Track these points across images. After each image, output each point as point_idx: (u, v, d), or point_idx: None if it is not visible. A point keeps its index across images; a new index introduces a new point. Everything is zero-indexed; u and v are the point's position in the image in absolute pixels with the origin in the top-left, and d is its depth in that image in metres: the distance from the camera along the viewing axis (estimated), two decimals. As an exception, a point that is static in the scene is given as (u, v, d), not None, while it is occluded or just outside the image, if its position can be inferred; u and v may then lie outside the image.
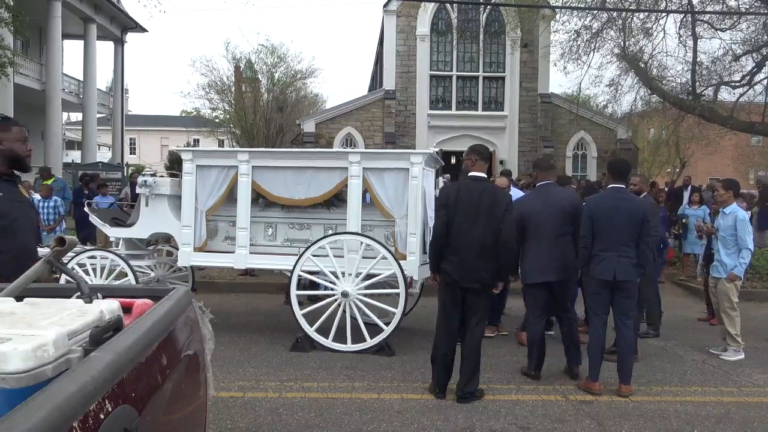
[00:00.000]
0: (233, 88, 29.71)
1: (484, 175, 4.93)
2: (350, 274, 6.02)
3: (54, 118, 22.87)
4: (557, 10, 16.07)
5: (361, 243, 6.00)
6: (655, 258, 6.36)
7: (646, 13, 14.44)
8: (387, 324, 6.05)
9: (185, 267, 7.46)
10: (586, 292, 5.23)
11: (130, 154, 44.20)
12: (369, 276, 6.02)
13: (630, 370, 5.01)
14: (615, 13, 14.65)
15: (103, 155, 31.62)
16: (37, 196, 10.64)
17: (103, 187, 13.09)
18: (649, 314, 6.99)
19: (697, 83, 14.80)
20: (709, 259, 7.96)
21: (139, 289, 2.96)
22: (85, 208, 8.01)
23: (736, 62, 14.88)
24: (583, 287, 5.93)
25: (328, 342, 6.00)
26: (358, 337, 5.96)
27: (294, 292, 6.10)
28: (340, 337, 5.98)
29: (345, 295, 6.02)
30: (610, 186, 5.27)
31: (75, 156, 31.96)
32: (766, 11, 13.83)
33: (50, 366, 1.33)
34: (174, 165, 7.16)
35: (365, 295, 6.08)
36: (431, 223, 6.44)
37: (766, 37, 14.11)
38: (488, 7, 22.68)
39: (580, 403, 4.77)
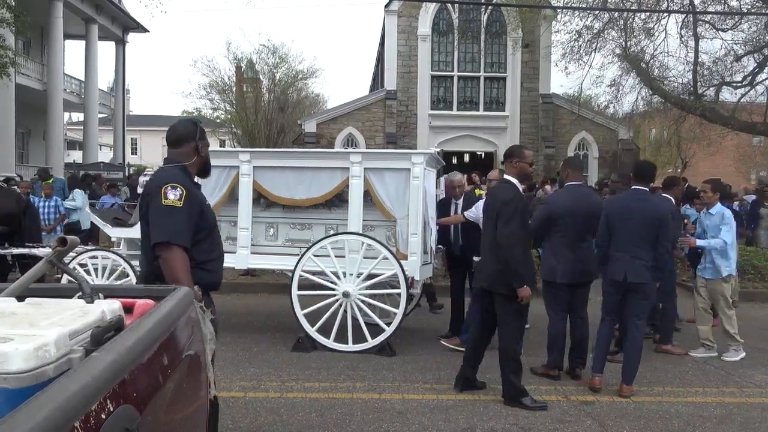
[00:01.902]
0: (234, 89, 29.76)
1: (507, 177, 4.86)
2: (351, 275, 6.02)
3: (55, 118, 22.91)
4: (558, 10, 16.07)
5: (363, 243, 6.00)
6: None
7: (648, 14, 14.43)
8: (388, 324, 6.05)
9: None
10: (602, 291, 5.32)
11: (132, 154, 44.23)
12: (370, 276, 6.02)
13: (634, 371, 5.01)
14: (616, 14, 14.65)
15: (105, 155, 31.68)
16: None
17: (113, 188, 13.15)
18: (651, 315, 7.00)
19: (699, 83, 14.80)
20: (693, 259, 7.95)
21: (140, 289, 2.96)
22: (87, 208, 8.02)
23: (737, 62, 14.87)
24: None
25: (329, 342, 6.00)
26: (359, 338, 5.96)
27: (295, 292, 6.10)
28: (341, 338, 5.98)
29: (346, 295, 6.02)
30: (633, 187, 5.34)
31: (76, 156, 32.03)
32: (767, 11, 13.82)
33: (52, 366, 1.34)
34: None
35: (366, 296, 6.09)
36: (432, 223, 6.44)
37: (767, 37, 14.10)
38: (489, 7, 22.68)
39: (582, 403, 4.77)
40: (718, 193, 6.28)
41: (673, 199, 6.43)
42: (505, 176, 4.90)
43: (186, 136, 3.10)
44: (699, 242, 6.04)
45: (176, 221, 2.86)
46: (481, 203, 6.42)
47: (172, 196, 2.86)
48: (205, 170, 3.21)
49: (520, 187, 4.84)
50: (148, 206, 2.91)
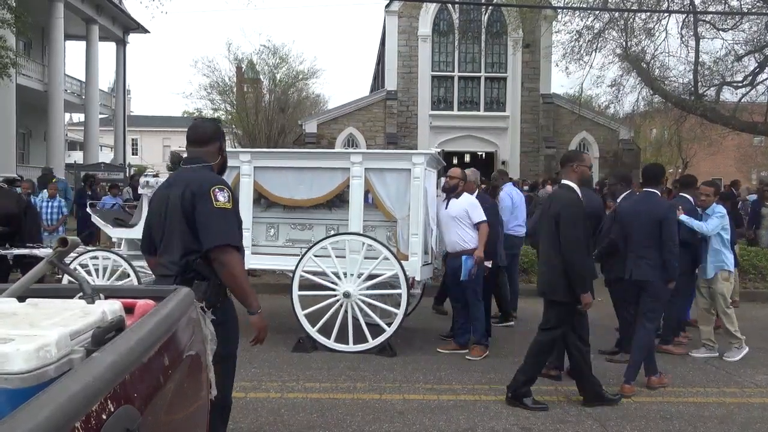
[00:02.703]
0: (235, 89, 29.75)
1: (566, 182, 4.75)
2: (352, 275, 6.02)
3: (56, 118, 22.94)
4: (559, 10, 16.08)
5: (363, 243, 6.00)
6: None
7: (648, 14, 14.43)
8: (389, 324, 6.05)
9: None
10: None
11: (132, 154, 44.25)
12: (371, 276, 6.02)
13: (636, 371, 5.04)
14: (617, 14, 14.65)
15: (106, 156, 31.68)
16: (42, 196, 10.66)
17: (114, 188, 13.26)
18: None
19: (700, 83, 14.80)
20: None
21: (141, 289, 2.96)
22: (88, 209, 8.03)
23: (738, 62, 14.88)
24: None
25: (330, 342, 6.00)
26: (360, 338, 5.96)
27: (296, 293, 6.10)
28: (342, 338, 5.98)
29: (347, 295, 6.02)
30: (644, 189, 5.52)
31: (77, 157, 32.05)
32: (767, 11, 13.82)
33: (53, 366, 1.34)
34: (176, 166, 7.16)
35: (367, 296, 6.09)
36: (433, 224, 6.43)
37: (768, 37, 14.10)
38: (490, 7, 22.69)
39: (582, 403, 4.76)
40: (717, 196, 6.35)
41: (691, 199, 6.42)
42: (564, 181, 4.79)
43: (213, 136, 3.13)
44: (682, 217, 6.01)
45: (230, 223, 2.90)
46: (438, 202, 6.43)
47: (222, 198, 2.88)
48: (222, 170, 3.23)
49: (579, 192, 4.74)
50: (193, 208, 2.88)
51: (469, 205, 6.09)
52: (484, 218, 6.05)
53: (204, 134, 3.12)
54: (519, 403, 4.59)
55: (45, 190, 11.13)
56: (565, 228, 4.51)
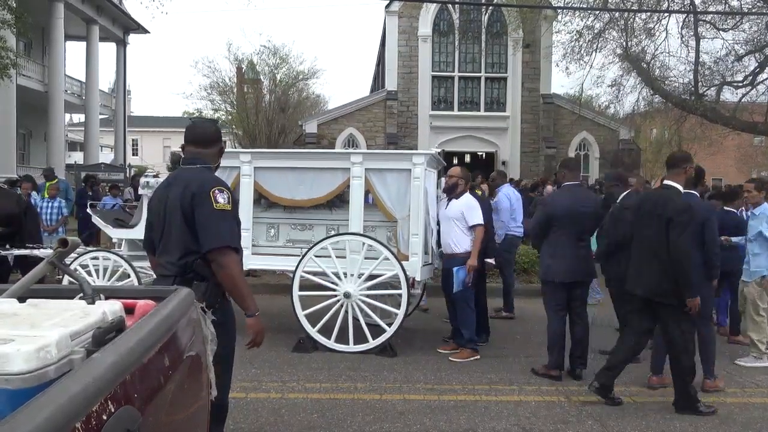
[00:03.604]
0: (235, 89, 29.75)
1: (672, 183, 4.72)
2: (352, 275, 6.02)
3: (56, 119, 22.95)
4: (559, 10, 16.09)
5: (363, 244, 6.00)
6: None
7: (649, 14, 14.43)
8: (389, 325, 6.04)
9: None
10: None
11: (133, 155, 44.26)
12: (371, 277, 6.02)
13: (711, 366, 5.15)
14: (617, 14, 14.66)
15: (106, 156, 31.69)
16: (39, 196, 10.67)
17: (114, 189, 13.29)
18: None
19: (700, 83, 14.81)
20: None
21: (141, 290, 2.96)
22: (88, 209, 8.03)
23: (738, 62, 14.90)
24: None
25: (330, 343, 6.00)
26: (360, 338, 5.96)
27: (296, 293, 6.10)
28: (342, 338, 5.98)
29: (347, 295, 6.02)
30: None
31: (77, 157, 32.05)
32: (768, 11, 13.82)
33: (53, 367, 1.34)
34: (176, 166, 7.15)
35: (367, 296, 6.09)
36: (433, 224, 6.43)
37: (768, 37, 14.11)
38: (490, 7, 22.70)
39: (583, 404, 4.76)
40: (764, 191, 6.25)
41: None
42: (670, 182, 4.73)
43: (216, 137, 3.14)
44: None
45: (229, 225, 2.91)
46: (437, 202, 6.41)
47: (222, 200, 2.89)
48: (215, 171, 3.25)
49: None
50: (192, 209, 2.88)
51: (466, 206, 6.01)
52: (481, 221, 5.98)
53: (208, 135, 3.12)
54: (691, 411, 4.54)
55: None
56: (675, 233, 4.49)
